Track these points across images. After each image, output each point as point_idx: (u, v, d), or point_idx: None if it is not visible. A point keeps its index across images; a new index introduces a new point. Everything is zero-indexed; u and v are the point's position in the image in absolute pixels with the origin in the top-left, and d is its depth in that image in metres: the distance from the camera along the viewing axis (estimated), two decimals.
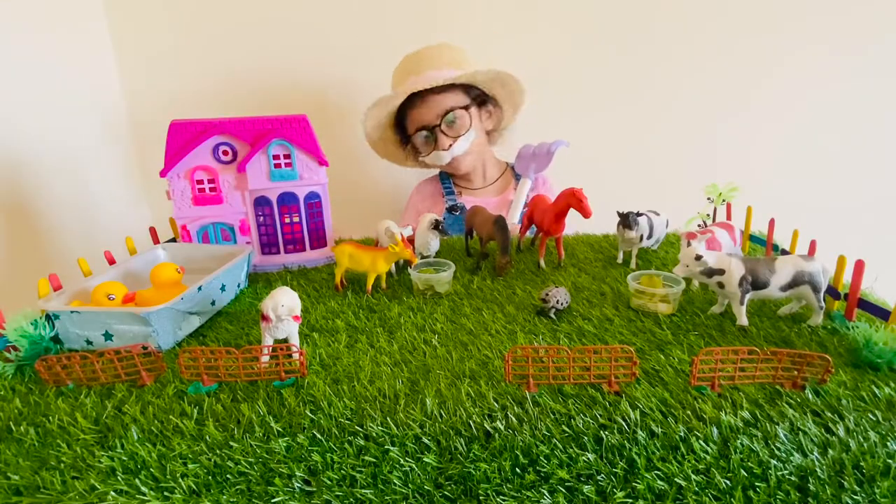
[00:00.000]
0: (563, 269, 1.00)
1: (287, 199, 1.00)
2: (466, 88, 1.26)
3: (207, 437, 0.53)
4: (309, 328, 0.77)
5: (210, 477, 0.50)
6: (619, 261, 1.02)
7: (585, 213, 0.90)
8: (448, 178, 1.42)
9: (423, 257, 1.00)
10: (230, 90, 1.54)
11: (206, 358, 0.62)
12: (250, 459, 0.51)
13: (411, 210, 1.42)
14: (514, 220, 1.23)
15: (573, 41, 1.52)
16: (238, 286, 0.90)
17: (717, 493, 0.47)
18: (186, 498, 0.48)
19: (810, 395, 0.57)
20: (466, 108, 1.26)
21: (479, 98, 1.30)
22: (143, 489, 0.48)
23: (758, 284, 0.72)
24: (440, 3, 1.48)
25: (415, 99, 1.23)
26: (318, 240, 1.04)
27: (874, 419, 0.54)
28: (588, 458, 0.50)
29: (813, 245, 0.82)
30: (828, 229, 1.01)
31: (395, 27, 1.50)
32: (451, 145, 1.26)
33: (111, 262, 0.90)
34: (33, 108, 1.25)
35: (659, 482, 0.48)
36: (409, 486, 0.49)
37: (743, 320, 0.73)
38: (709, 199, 1.03)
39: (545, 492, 0.48)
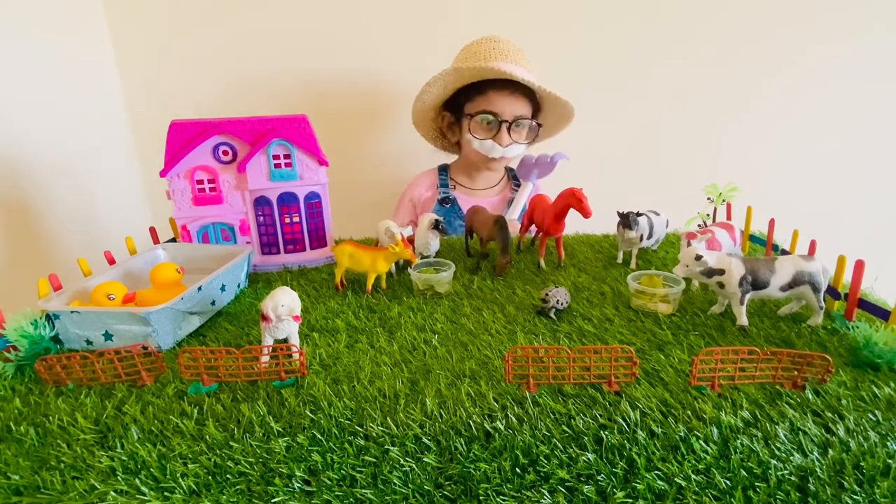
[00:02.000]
0: (563, 269, 1.00)
1: (287, 199, 1.00)
2: (533, 101, 1.28)
3: (207, 437, 0.53)
4: (309, 328, 0.77)
5: (210, 477, 0.50)
6: (619, 261, 1.02)
7: (585, 213, 0.90)
8: (445, 172, 1.42)
9: (423, 257, 1.00)
10: (230, 90, 1.54)
11: (206, 358, 0.62)
12: (250, 459, 0.51)
13: (406, 198, 1.42)
14: (513, 217, 1.26)
15: (573, 41, 1.52)
16: (238, 286, 0.90)
17: (717, 493, 0.47)
18: (186, 498, 0.48)
19: (810, 395, 0.57)
20: (533, 119, 1.30)
21: (534, 115, 1.32)
22: (143, 489, 0.48)
23: (758, 284, 0.72)
24: (441, 4, 1.48)
25: (494, 85, 1.22)
26: (318, 240, 1.04)
27: (874, 419, 0.54)
28: (588, 458, 0.50)
29: (813, 245, 0.82)
30: (828, 229, 1.02)
31: (396, 27, 1.50)
32: (508, 145, 1.27)
33: (111, 262, 0.90)
34: (33, 108, 1.25)
35: (659, 482, 0.48)
36: (409, 486, 0.49)
37: (743, 320, 0.73)
38: (709, 199, 1.03)
39: (545, 492, 0.48)
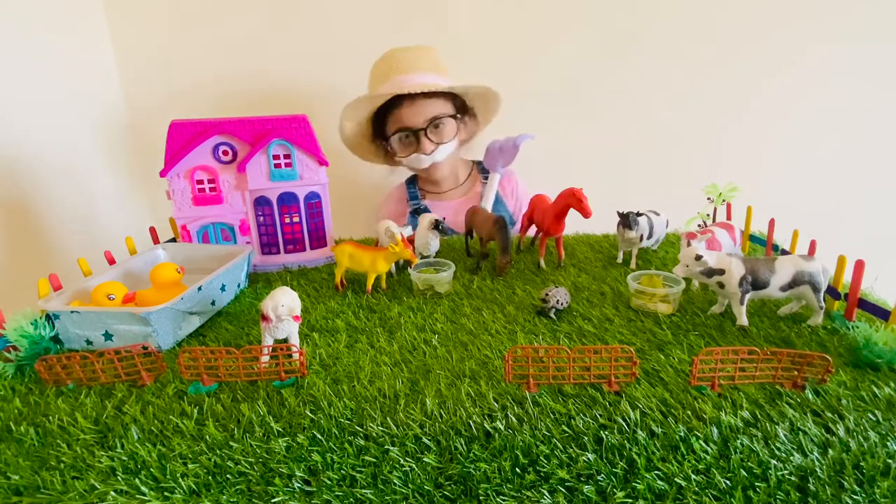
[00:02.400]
0: (563, 269, 1.00)
1: (287, 199, 1.00)
2: (452, 97, 1.26)
3: (207, 437, 0.53)
4: (309, 328, 0.77)
5: (210, 477, 0.50)
6: (619, 261, 1.02)
7: (585, 213, 0.90)
8: (413, 183, 1.42)
9: (423, 257, 1.00)
10: (230, 90, 1.54)
11: (206, 358, 0.62)
12: (250, 459, 0.51)
13: (381, 217, 1.41)
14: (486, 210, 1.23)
15: (573, 41, 1.52)
16: (238, 286, 0.90)
17: (717, 493, 0.47)
18: (186, 498, 0.48)
19: (810, 395, 0.57)
20: (453, 116, 1.27)
21: (461, 108, 1.30)
22: (143, 489, 0.48)
23: (758, 284, 0.72)
24: (440, 4, 1.48)
25: (401, 99, 1.21)
26: (318, 240, 1.04)
27: (874, 419, 0.54)
28: (588, 458, 0.50)
29: (813, 245, 0.82)
30: (828, 229, 1.01)
31: (396, 27, 1.50)
32: (433, 151, 1.26)
33: (111, 262, 0.90)
34: (33, 108, 1.25)
35: (659, 482, 0.48)
36: (409, 486, 0.49)
37: (743, 320, 0.73)
38: (709, 199, 1.03)
39: (545, 492, 0.48)
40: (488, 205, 1.27)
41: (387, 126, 1.28)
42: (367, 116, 1.27)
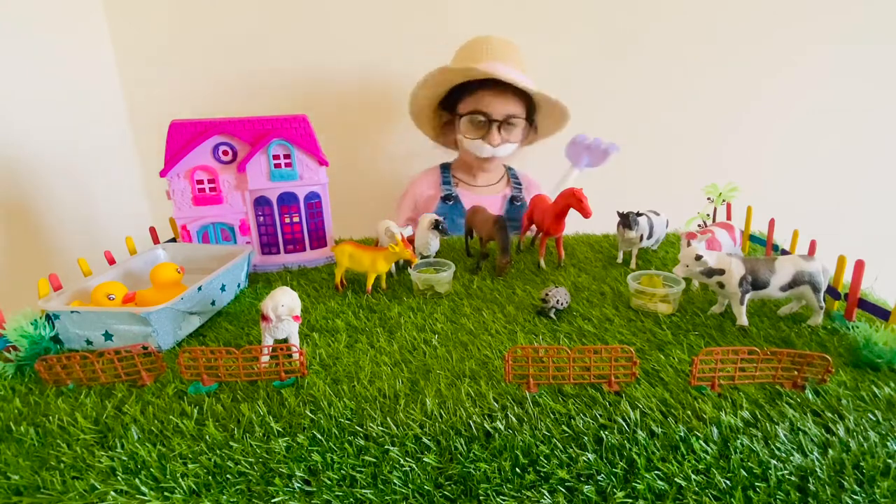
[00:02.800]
0: (563, 269, 1.00)
1: (287, 199, 1.00)
2: (525, 102, 1.28)
3: (207, 437, 0.53)
4: (309, 328, 0.77)
5: (210, 477, 0.50)
6: (619, 261, 1.02)
7: (585, 214, 0.90)
8: (447, 169, 1.43)
9: (423, 257, 1.00)
10: (230, 90, 1.54)
11: (206, 358, 0.62)
12: (250, 459, 0.51)
13: (408, 196, 1.43)
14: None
15: (573, 41, 1.52)
16: (238, 286, 0.90)
17: (717, 493, 0.47)
18: (186, 498, 0.48)
19: (810, 395, 0.57)
20: (527, 120, 1.30)
21: (529, 116, 1.32)
22: (143, 489, 0.48)
23: (758, 284, 0.72)
24: (440, 4, 1.48)
25: (487, 84, 1.22)
26: (318, 240, 1.04)
27: (874, 419, 0.54)
28: (588, 458, 0.50)
29: (813, 245, 0.82)
30: (828, 229, 1.01)
31: (396, 26, 1.50)
32: (499, 145, 1.27)
33: (111, 262, 0.90)
34: (33, 108, 1.25)
35: (659, 482, 0.48)
36: (409, 486, 0.49)
37: (743, 320, 0.73)
38: (709, 199, 1.03)
39: (545, 492, 0.48)
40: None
41: (461, 103, 1.28)
42: (450, 87, 1.27)
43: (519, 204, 1.39)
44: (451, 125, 1.35)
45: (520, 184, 1.43)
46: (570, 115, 1.28)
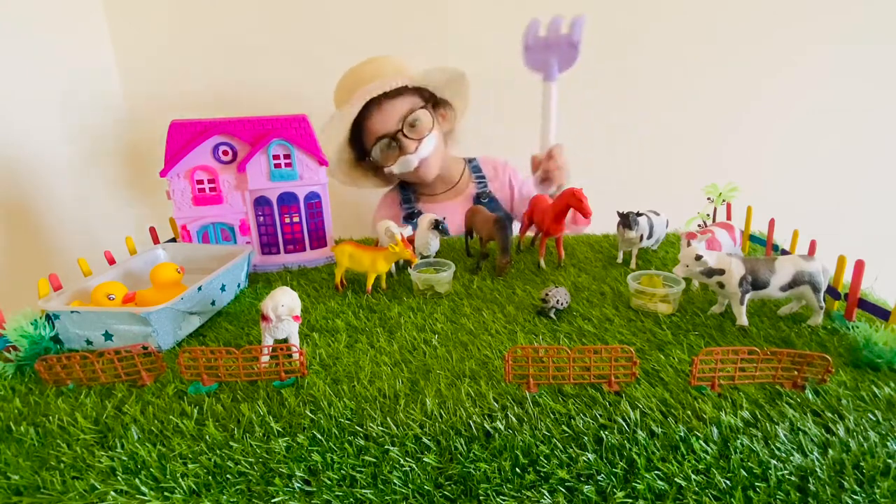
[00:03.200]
0: (563, 269, 1.00)
1: (287, 199, 1.00)
2: (419, 92, 1.24)
3: (207, 437, 0.53)
4: (309, 328, 0.77)
5: (210, 477, 0.50)
6: (619, 261, 1.02)
7: (585, 213, 0.90)
8: (407, 187, 1.40)
9: (423, 257, 1.00)
10: (230, 90, 1.54)
11: (206, 358, 0.62)
12: (250, 459, 0.51)
13: (377, 224, 1.41)
14: (549, 144, 1.14)
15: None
16: (238, 286, 0.90)
17: (717, 493, 0.47)
18: (186, 498, 0.48)
19: (810, 395, 0.57)
20: (424, 107, 1.24)
21: (432, 101, 1.28)
22: (143, 489, 0.48)
23: (758, 284, 0.72)
24: (440, 4, 1.48)
25: (370, 110, 1.19)
26: (318, 240, 1.04)
27: (874, 419, 0.54)
28: (588, 458, 0.50)
29: (813, 245, 0.82)
30: (828, 229, 1.01)
31: (396, 26, 1.50)
32: (416, 148, 1.24)
33: (111, 262, 0.90)
34: (33, 108, 1.25)
35: (659, 482, 0.48)
36: (409, 486, 0.49)
37: (743, 320, 0.73)
38: (709, 199, 1.03)
39: (545, 492, 0.48)
40: (548, 131, 1.14)
41: (365, 144, 1.27)
42: (344, 140, 1.24)
43: (486, 199, 1.35)
44: (372, 168, 1.33)
45: (483, 176, 1.39)
46: (455, 72, 1.21)
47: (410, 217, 1.32)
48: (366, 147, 1.27)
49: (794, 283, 0.72)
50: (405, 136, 1.22)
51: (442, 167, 1.34)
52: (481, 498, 0.48)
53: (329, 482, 0.49)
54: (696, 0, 1.48)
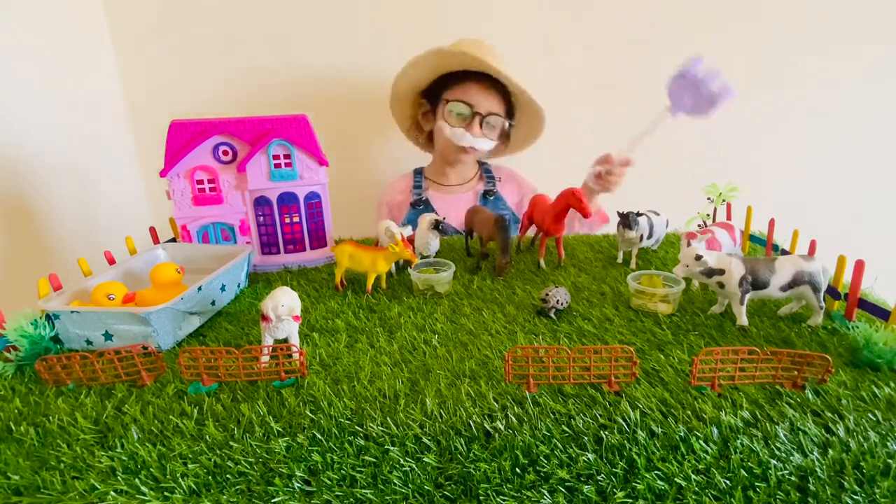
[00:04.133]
0: (563, 269, 1.00)
1: (287, 199, 1.00)
2: (504, 104, 1.30)
3: (207, 437, 0.53)
4: (309, 328, 0.77)
5: (210, 477, 0.50)
6: (619, 261, 1.02)
7: (585, 213, 0.90)
8: (420, 174, 1.43)
9: (423, 257, 1.00)
10: (230, 90, 1.54)
11: (206, 358, 0.62)
12: (250, 459, 0.51)
13: (382, 204, 1.44)
14: (626, 153, 1.14)
15: (573, 40, 1.52)
16: (238, 286, 0.90)
17: (717, 493, 0.47)
18: (186, 498, 0.48)
19: (810, 395, 0.57)
20: (506, 119, 1.31)
21: (507, 114, 1.33)
22: (143, 489, 0.48)
23: (758, 284, 0.72)
24: (440, 4, 1.48)
25: (475, 79, 1.25)
26: (318, 240, 1.04)
27: (874, 419, 0.54)
28: (588, 458, 0.50)
29: (813, 245, 0.82)
30: (828, 229, 1.01)
31: (396, 26, 1.50)
32: (478, 136, 1.28)
33: (111, 262, 0.90)
34: (33, 108, 1.25)
35: (659, 482, 0.48)
36: (409, 486, 0.49)
37: (743, 320, 0.73)
38: (709, 199, 1.03)
39: (545, 492, 0.48)
40: (637, 142, 1.11)
41: (447, 91, 1.29)
42: (439, 73, 1.28)
43: (492, 198, 1.38)
44: (429, 116, 1.36)
45: (493, 177, 1.42)
46: (544, 124, 1.30)
47: (417, 204, 1.36)
48: (442, 94, 1.30)
49: (794, 283, 0.72)
50: (482, 123, 1.28)
51: (471, 163, 1.41)
52: (481, 498, 0.48)
53: (329, 482, 0.49)
54: (697, 0, 1.47)
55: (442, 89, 1.30)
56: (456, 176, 1.41)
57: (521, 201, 1.43)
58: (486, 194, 1.38)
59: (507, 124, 1.33)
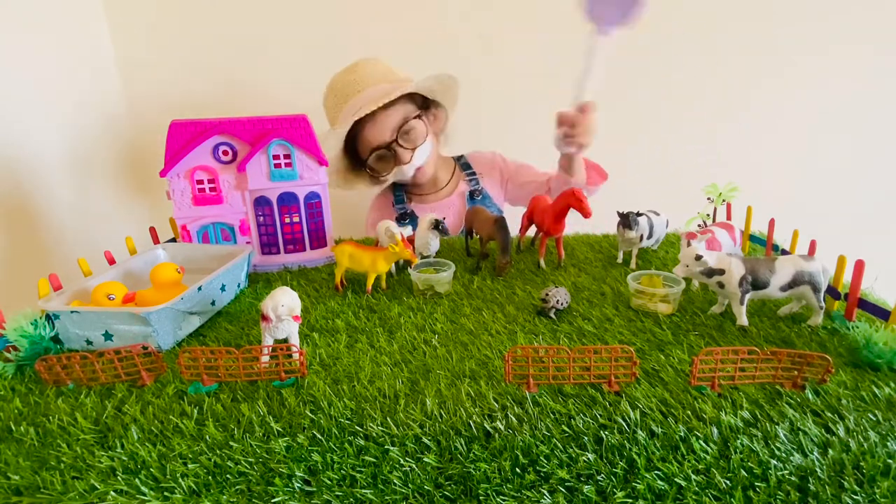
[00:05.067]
0: (563, 269, 1.00)
1: (287, 199, 1.00)
2: (410, 97, 1.22)
3: (207, 437, 0.53)
4: (309, 328, 0.77)
5: (210, 477, 0.50)
6: (619, 261, 1.02)
7: (585, 214, 0.90)
8: (400, 188, 1.39)
9: (423, 257, 1.00)
10: (230, 90, 1.54)
11: (206, 358, 0.62)
12: (250, 459, 0.51)
13: (369, 225, 1.41)
14: (584, 97, 1.08)
15: (573, 41, 1.52)
16: (238, 286, 0.90)
17: (717, 493, 0.47)
18: (186, 498, 0.48)
19: (810, 395, 0.57)
20: (418, 116, 1.23)
21: (423, 104, 1.27)
22: (143, 489, 0.48)
23: (758, 284, 0.72)
24: (441, 4, 1.48)
25: (363, 122, 1.18)
26: (318, 240, 1.04)
27: (874, 419, 0.54)
28: (588, 458, 0.50)
29: (813, 245, 0.82)
30: (828, 229, 1.01)
31: (395, 26, 1.50)
32: (411, 157, 1.23)
33: (111, 262, 0.90)
34: (33, 108, 1.25)
35: (659, 482, 0.48)
36: (409, 486, 0.49)
37: (743, 320, 0.73)
38: (709, 199, 1.03)
39: (545, 492, 0.48)
40: (587, 81, 1.07)
41: (360, 153, 1.26)
42: (339, 153, 1.23)
43: (480, 197, 1.35)
44: (367, 173, 1.32)
45: (474, 173, 1.38)
46: (444, 76, 1.19)
47: (403, 218, 1.32)
48: (361, 156, 1.27)
49: (794, 283, 0.72)
50: (400, 145, 1.22)
51: (434, 170, 1.34)
52: (481, 498, 0.48)
53: (329, 482, 0.49)
54: (696, 0, 1.48)
55: (355, 152, 1.26)
56: (431, 184, 1.37)
57: (505, 185, 1.39)
58: (472, 195, 1.35)
59: (419, 115, 1.24)
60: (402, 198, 1.37)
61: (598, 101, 1.12)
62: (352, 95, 1.18)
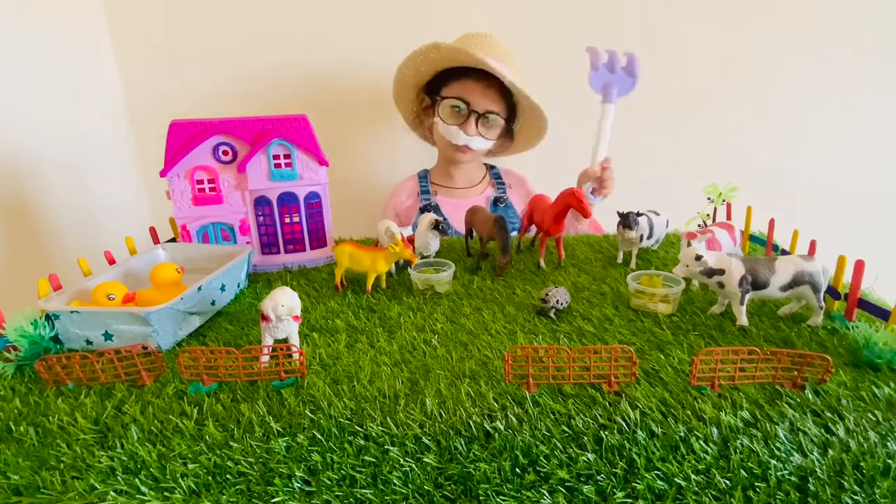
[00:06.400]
0: (563, 269, 1.00)
1: (287, 199, 1.00)
2: (505, 105, 1.29)
3: (207, 437, 0.53)
4: (309, 328, 0.77)
5: (210, 477, 0.50)
6: (619, 261, 1.02)
7: (585, 214, 0.90)
8: (426, 178, 1.42)
9: (423, 257, 1.00)
10: (230, 90, 1.54)
11: (206, 358, 0.62)
12: (250, 459, 0.51)
13: (389, 208, 1.42)
14: (600, 159, 1.20)
15: (572, 40, 1.52)
16: (238, 286, 0.90)
17: (717, 493, 0.47)
18: (186, 498, 0.48)
19: (810, 395, 0.57)
20: (506, 121, 1.30)
21: (509, 121, 1.32)
22: (143, 489, 0.48)
23: (758, 284, 0.72)
24: (443, 3, 1.48)
25: (475, 75, 1.22)
26: (318, 240, 1.04)
27: (874, 419, 0.54)
28: (588, 458, 0.50)
29: (813, 245, 0.82)
30: (828, 229, 1.01)
31: (397, 26, 1.50)
32: (473, 135, 1.27)
33: (111, 262, 0.90)
34: (33, 108, 1.25)
35: (659, 482, 0.48)
36: (409, 486, 0.49)
37: (743, 320, 0.73)
38: (709, 199, 1.03)
39: (545, 492, 0.48)
40: (602, 146, 1.20)
41: (445, 87, 1.28)
42: (438, 68, 1.27)
43: (503, 205, 1.38)
44: (430, 110, 1.35)
45: (503, 184, 1.42)
46: (547, 125, 1.28)
47: (426, 209, 1.34)
48: (441, 90, 1.29)
49: (794, 283, 0.72)
50: (478, 121, 1.26)
51: (471, 166, 1.39)
52: (481, 498, 0.48)
53: (329, 482, 0.49)
54: (696, 1, 1.47)
55: (442, 85, 1.29)
56: (462, 179, 1.40)
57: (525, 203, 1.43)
58: (496, 201, 1.38)
59: (505, 123, 1.31)
60: (428, 188, 1.39)
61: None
62: (490, 54, 1.20)
